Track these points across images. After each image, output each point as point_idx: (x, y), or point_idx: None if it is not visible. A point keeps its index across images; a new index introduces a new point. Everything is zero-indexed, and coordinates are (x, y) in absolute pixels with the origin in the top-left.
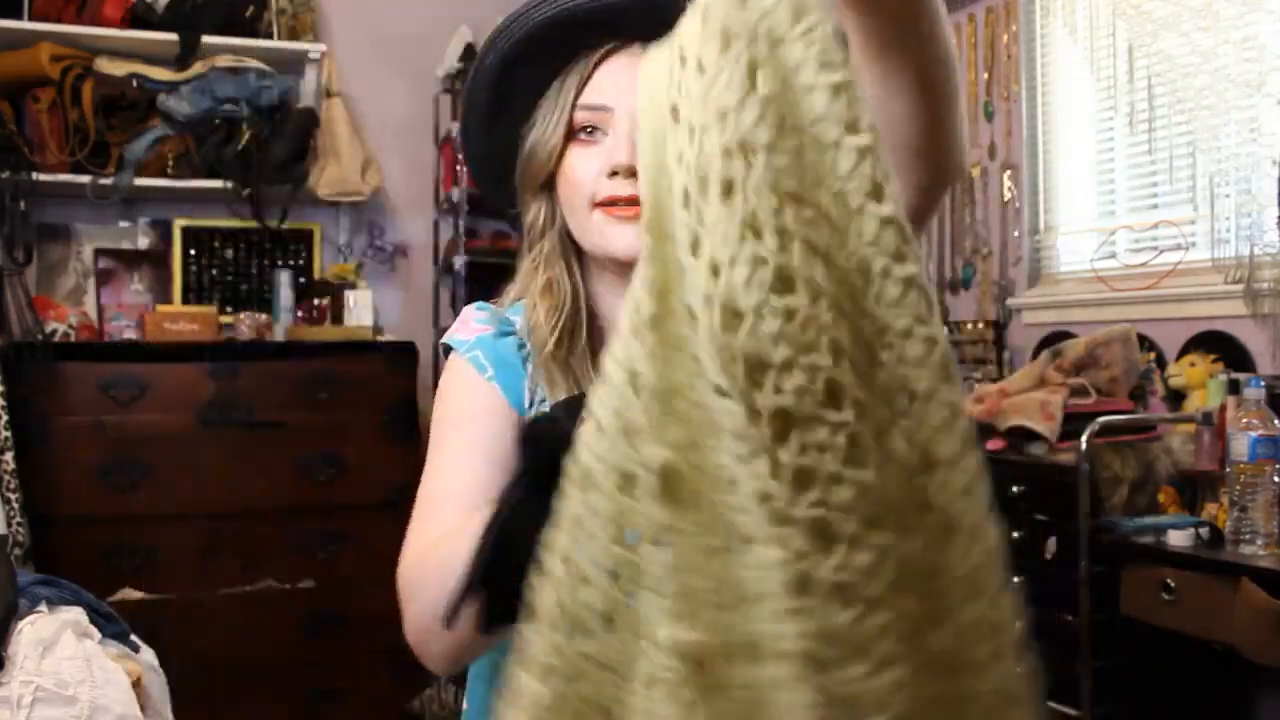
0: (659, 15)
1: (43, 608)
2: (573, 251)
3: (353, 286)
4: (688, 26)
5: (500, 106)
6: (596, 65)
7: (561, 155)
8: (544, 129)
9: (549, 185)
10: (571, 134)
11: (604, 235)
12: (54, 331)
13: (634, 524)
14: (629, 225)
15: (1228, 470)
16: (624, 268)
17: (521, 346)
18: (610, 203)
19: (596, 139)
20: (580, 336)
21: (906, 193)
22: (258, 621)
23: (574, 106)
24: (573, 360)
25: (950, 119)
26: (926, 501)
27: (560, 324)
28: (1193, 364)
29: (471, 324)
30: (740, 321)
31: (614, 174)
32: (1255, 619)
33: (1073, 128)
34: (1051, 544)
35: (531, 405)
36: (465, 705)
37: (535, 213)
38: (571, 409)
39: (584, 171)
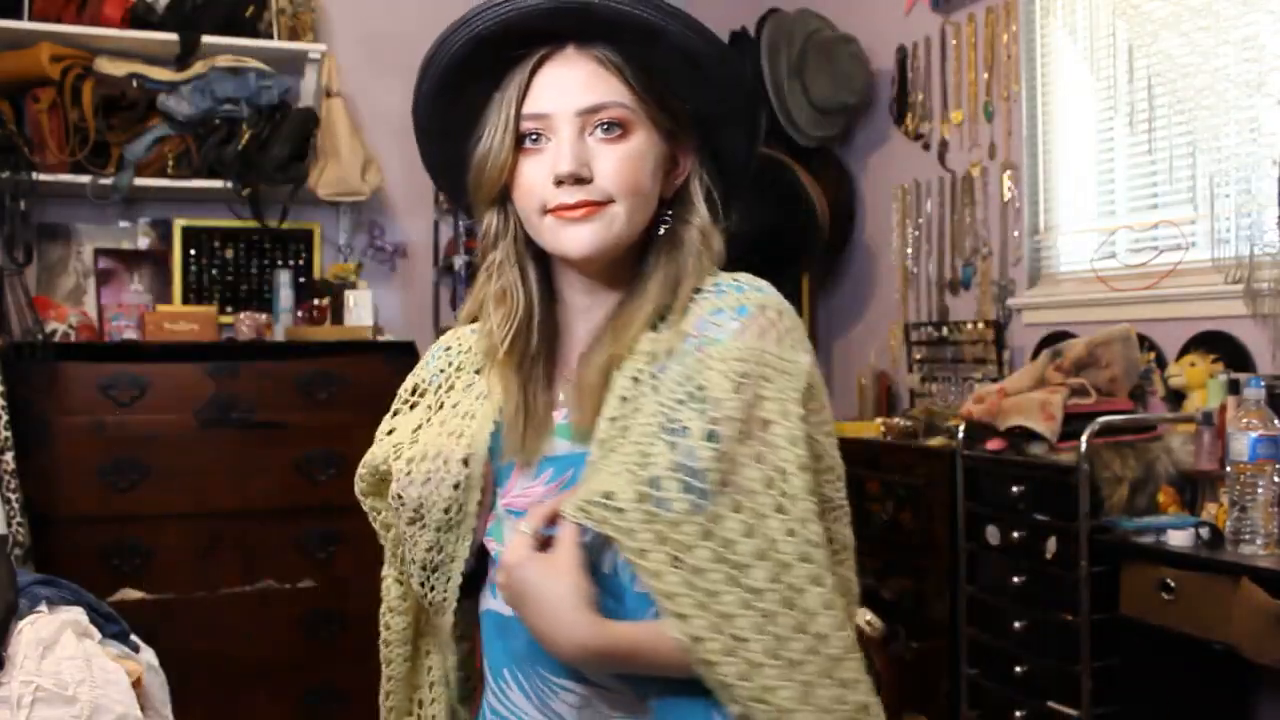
0: (589, 17)
1: (43, 608)
2: (531, 256)
3: (353, 286)
4: None
5: (447, 121)
6: (533, 73)
7: (511, 166)
8: (490, 142)
9: (502, 195)
10: (518, 143)
11: (557, 239)
12: (54, 331)
13: None
14: (577, 226)
15: (1228, 470)
16: (593, 279)
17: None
18: (558, 209)
19: (542, 145)
20: (533, 341)
21: None
22: (258, 621)
23: (517, 117)
24: (524, 365)
25: None
26: None
27: (513, 331)
28: (1193, 364)
29: None
30: None
31: (559, 182)
32: (1255, 619)
33: (1073, 128)
34: (1051, 544)
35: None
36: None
37: (489, 222)
38: None
39: (532, 179)
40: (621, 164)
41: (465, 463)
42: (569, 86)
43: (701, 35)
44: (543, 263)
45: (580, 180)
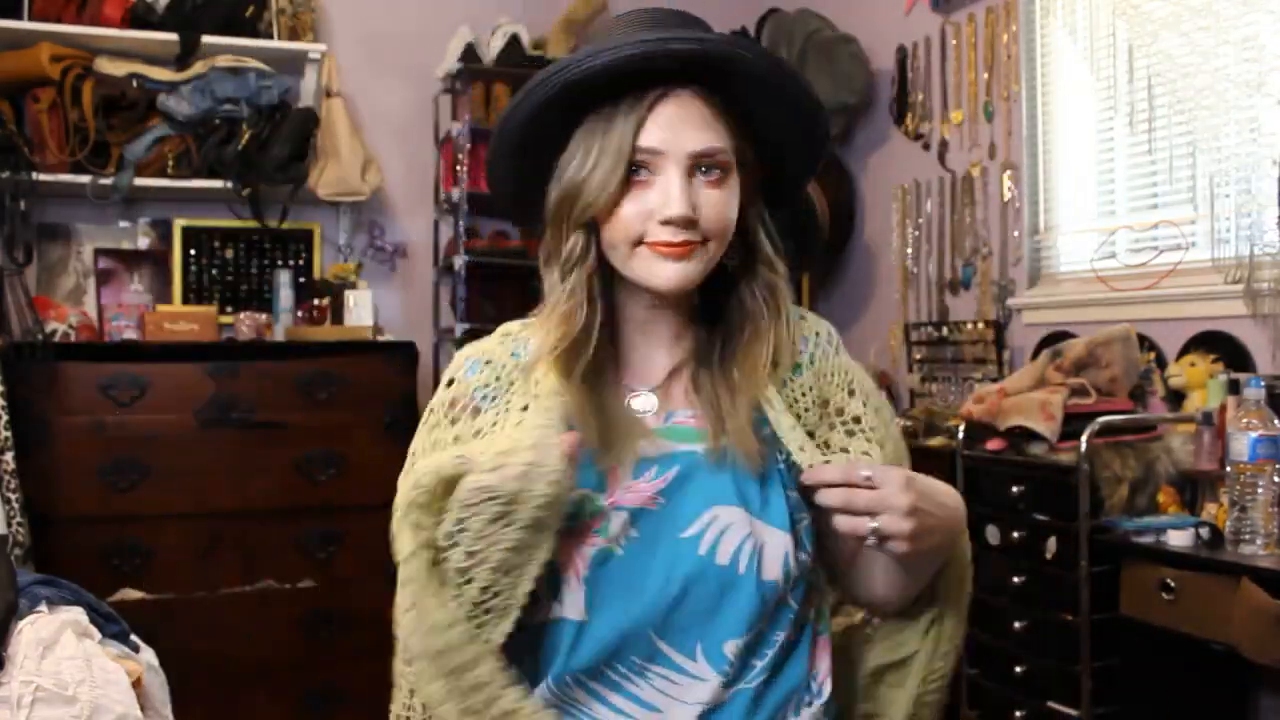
0: (705, 66)
1: (43, 608)
2: (601, 285)
3: (353, 286)
4: None
5: (532, 139)
6: (651, 108)
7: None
8: (594, 167)
9: (592, 220)
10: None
11: (649, 270)
12: (54, 331)
13: None
14: (672, 263)
15: (1228, 470)
16: (659, 299)
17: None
18: (657, 244)
19: (645, 179)
20: (578, 369)
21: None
22: (258, 621)
23: (633, 149)
24: (586, 377)
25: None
26: None
27: (568, 349)
28: (1193, 364)
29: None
30: None
31: (667, 222)
32: (1255, 619)
33: (1073, 128)
34: (1051, 544)
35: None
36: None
37: (573, 245)
38: None
39: (632, 212)
40: (722, 208)
41: (563, 460)
42: (683, 127)
43: (785, 71)
44: (602, 276)
45: (690, 223)
